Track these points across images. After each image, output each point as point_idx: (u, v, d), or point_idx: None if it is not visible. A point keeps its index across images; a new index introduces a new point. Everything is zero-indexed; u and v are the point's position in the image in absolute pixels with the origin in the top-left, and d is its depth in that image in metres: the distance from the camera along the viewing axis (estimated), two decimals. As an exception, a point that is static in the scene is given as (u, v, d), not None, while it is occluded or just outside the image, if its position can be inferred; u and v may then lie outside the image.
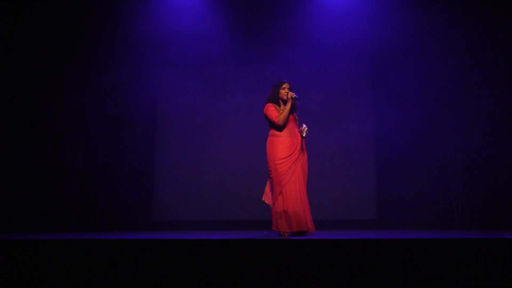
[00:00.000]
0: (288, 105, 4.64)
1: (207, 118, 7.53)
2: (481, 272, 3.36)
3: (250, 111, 7.12)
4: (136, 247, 3.59)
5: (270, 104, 4.72)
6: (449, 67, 6.90)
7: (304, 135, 4.66)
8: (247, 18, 7.22)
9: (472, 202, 6.62)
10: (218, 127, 7.48)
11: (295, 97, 4.64)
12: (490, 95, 6.59)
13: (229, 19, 7.18)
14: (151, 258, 3.48)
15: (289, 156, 4.60)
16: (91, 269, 3.48)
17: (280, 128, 4.65)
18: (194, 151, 7.43)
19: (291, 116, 4.72)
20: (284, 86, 4.74)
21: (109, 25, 7.11)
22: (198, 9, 7.06)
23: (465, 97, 6.80)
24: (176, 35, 7.16)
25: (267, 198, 4.72)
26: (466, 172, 6.73)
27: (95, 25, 7.07)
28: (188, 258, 3.47)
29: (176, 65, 7.58)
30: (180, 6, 7.03)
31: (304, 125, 4.67)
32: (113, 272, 3.47)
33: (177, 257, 3.48)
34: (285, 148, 4.62)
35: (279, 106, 4.72)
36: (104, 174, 7.13)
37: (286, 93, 4.69)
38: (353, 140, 7.30)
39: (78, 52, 7.12)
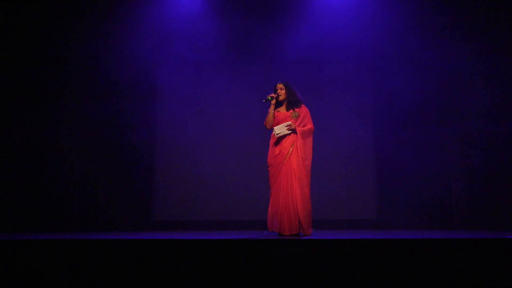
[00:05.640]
0: (271, 107, 4.71)
1: (208, 118, 7.52)
2: (481, 272, 3.36)
3: (250, 111, 7.10)
4: (136, 247, 3.59)
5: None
6: (449, 68, 6.90)
7: (277, 132, 4.58)
8: (248, 17, 7.20)
9: (472, 202, 6.63)
10: (219, 127, 7.47)
11: (263, 100, 4.72)
12: (489, 95, 6.59)
13: (229, 19, 7.17)
14: (151, 258, 3.48)
15: (276, 156, 4.60)
16: (91, 269, 3.47)
17: (270, 130, 4.71)
18: (194, 151, 7.41)
19: (283, 115, 4.69)
20: (276, 87, 4.77)
21: (110, 23, 7.09)
22: (200, 8, 7.07)
23: (464, 97, 6.81)
24: (177, 35, 7.16)
25: None
26: (466, 172, 6.73)
27: (96, 20, 7.05)
28: (188, 258, 3.46)
29: (177, 64, 7.57)
30: (181, 4, 7.04)
31: (286, 123, 4.60)
32: (113, 272, 3.46)
33: (177, 257, 3.48)
34: (274, 150, 4.65)
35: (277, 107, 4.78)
36: (104, 174, 7.14)
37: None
38: (353, 140, 7.28)
39: (77, 50, 7.11)
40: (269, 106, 4.76)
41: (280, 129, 4.58)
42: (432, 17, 6.87)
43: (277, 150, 4.61)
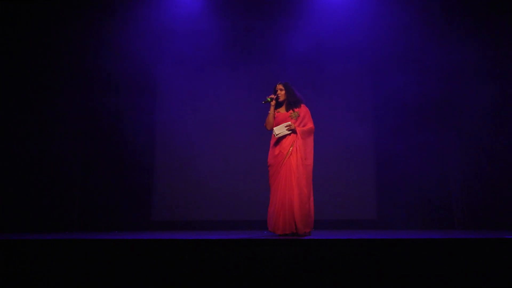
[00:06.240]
0: (271, 108, 4.72)
1: (208, 117, 7.52)
2: (481, 272, 3.36)
3: (251, 110, 7.10)
4: (136, 247, 3.59)
5: None
6: (449, 68, 6.91)
7: (276, 133, 4.59)
8: (248, 17, 7.20)
9: (472, 202, 6.63)
10: (219, 126, 7.47)
11: (263, 102, 4.72)
12: (490, 96, 6.59)
13: (229, 19, 7.17)
14: (151, 258, 3.48)
15: (276, 157, 4.61)
16: (91, 269, 3.48)
17: (270, 131, 4.70)
18: (194, 150, 7.41)
19: (283, 115, 4.70)
20: (276, 88, 4.77)
21: (111, 21, 7.07)
22: (200, 7, 7.07)
23: (465, 97, 6.81)
24: (177, 34, 7.16)
25: None
26: (465, 172, 6.73)
27: (97, 18, 7.04)
28: (188, 258, 3.47)
29: (177, 63, 7.57)
30: (181, 3, 7.04)
31: (286, 124, 4.61)
32: (113, 272, 3.47)
33: (177, 257, 3.48)
34: (274, 150, 4.65)
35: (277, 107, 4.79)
36: (104, 174, 7.14)
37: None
38: (353, 140, 7.28)
39: (77, 49, 7.11)
40: (269, 107, 4.77)
41: (279, 130, 4.58)
42: (432, 16, 6.87)
43: (276, 150, 4.62)
